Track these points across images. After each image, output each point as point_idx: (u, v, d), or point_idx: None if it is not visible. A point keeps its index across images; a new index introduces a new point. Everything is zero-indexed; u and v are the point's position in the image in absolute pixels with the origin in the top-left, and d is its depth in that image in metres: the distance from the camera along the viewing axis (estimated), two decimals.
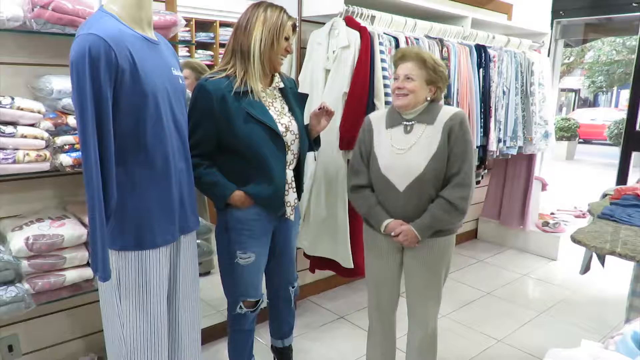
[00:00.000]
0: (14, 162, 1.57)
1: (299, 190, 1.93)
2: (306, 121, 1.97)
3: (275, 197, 1.79)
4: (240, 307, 1.88)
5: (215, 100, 1.67)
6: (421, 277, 1.85)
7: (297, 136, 1.84)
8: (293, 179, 1.87)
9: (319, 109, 1.90)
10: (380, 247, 1.89)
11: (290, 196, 1.85)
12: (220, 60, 1.80)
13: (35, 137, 1.60)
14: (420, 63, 1.74)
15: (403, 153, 1.76)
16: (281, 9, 1.75)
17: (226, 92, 1.67)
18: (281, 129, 1.76)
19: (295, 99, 1.89)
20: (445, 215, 1.73)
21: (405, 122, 1.79)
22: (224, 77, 1.70)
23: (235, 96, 1.68)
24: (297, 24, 2.57)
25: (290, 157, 1.83)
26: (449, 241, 1.84)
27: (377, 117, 1.90)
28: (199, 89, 1.69)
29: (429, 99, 1.78)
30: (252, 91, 1.70)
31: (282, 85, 1.85)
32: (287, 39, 1.76)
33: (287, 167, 1.82)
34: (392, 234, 1.78)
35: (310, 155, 2.42)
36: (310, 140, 1.95)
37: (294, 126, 1.82)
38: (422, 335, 1.90)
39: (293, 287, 2.11)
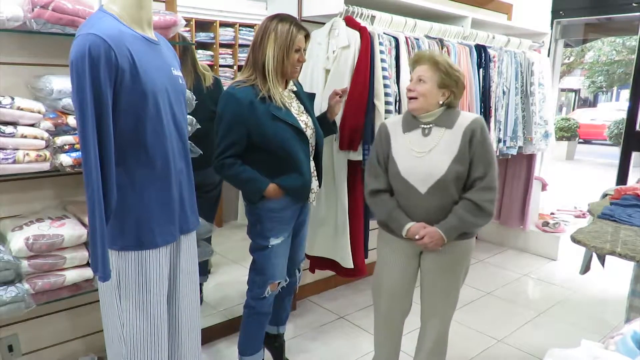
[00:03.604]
0: (14, 162, 1.57)
1: (319, 177, 2.10)
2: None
3: (305, 187, 1.96)
4: (267, 291, 2.03)
5: (245, 105, 1.83)
6: (441, 281, 1.85)
7: (314, 130, 2.02)
8: (314, 168, 2.06)
9: (338, 96, 2.17)
10: (397, 254, 1.87)
11: (314, 183, 2.04)
12: (237, 67, 1.91)
13: (35, 137, 1.60)
14: (434, 66, 1.75)
15: (423, 156, 1.76)
16: (291, 21, 1.88)
17: (253, 98, 1.84)
18: (302, 126, 1.94)
19: (306, 99, 2.09)
20: (472, 217, 1.72)
21: (423, 126, 1.80)
22: (249, 86, 1.86)
23: (261, 101, 1.85)
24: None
25: (310, 150, 2.01)
26: (469, 244, 1.85)
27: (393, 123, 1.90)
28: (229, 97, 1.85)
29: (441, 102, 1.78)
30: (274, 97, 1.87)
31: (295, 88, 2.04)
32: (297, 50, 1.89)
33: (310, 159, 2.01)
34: (416, 237, 1.76)
35: None
36: (329, 125, 2.22)
37: (310, 122, 2.01)
38: (436, 338, 1.91)
39: (299, 272, 2.24)
